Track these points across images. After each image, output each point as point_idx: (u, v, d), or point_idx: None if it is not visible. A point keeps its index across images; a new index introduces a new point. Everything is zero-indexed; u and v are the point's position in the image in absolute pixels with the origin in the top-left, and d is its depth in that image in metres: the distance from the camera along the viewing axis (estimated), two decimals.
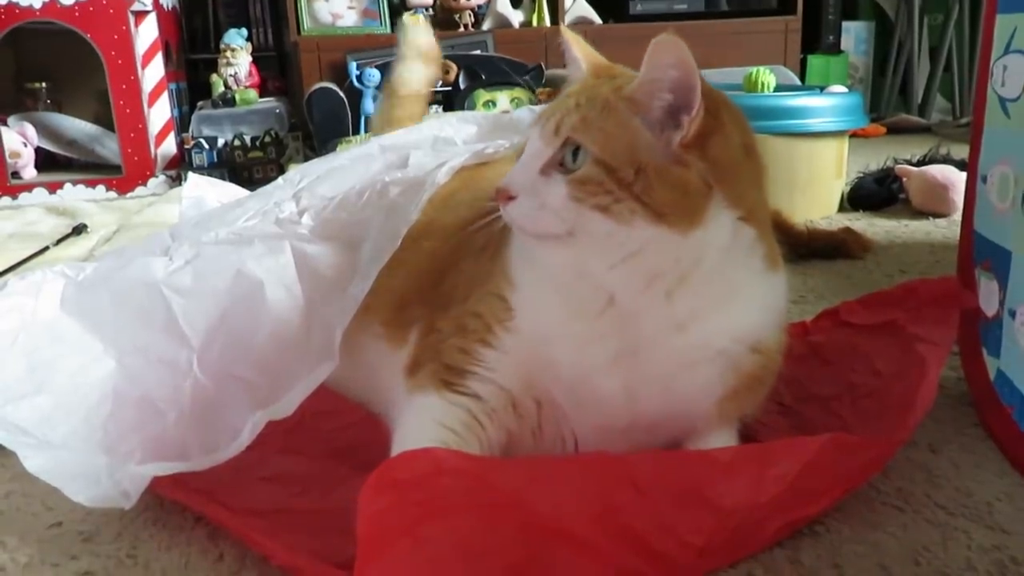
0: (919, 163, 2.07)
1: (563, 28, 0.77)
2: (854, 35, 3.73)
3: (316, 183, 1.09)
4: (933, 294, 0.93)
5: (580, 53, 0.77)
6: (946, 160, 2.09)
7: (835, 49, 3.61)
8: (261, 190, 1.15)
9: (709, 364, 0.71)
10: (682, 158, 0.66)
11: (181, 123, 2.99)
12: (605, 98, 0.68)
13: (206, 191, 1.35)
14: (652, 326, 0.70)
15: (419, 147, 1.18)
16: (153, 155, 2.80)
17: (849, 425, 0.84)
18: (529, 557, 0.57)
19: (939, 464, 0.82)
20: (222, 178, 2.25)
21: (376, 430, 0.87)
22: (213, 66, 3.10)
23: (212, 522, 0.73)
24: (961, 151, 2.24)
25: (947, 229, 1.78)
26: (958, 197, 1.87)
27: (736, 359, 0.72)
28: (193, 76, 3.37)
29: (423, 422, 0.73)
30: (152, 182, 2.77)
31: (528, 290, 0.73)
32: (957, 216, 1.87)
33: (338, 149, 2.21)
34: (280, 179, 1.15)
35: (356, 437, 0.87)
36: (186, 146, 2.75)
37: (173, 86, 2.95)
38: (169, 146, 2.87)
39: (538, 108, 1.20)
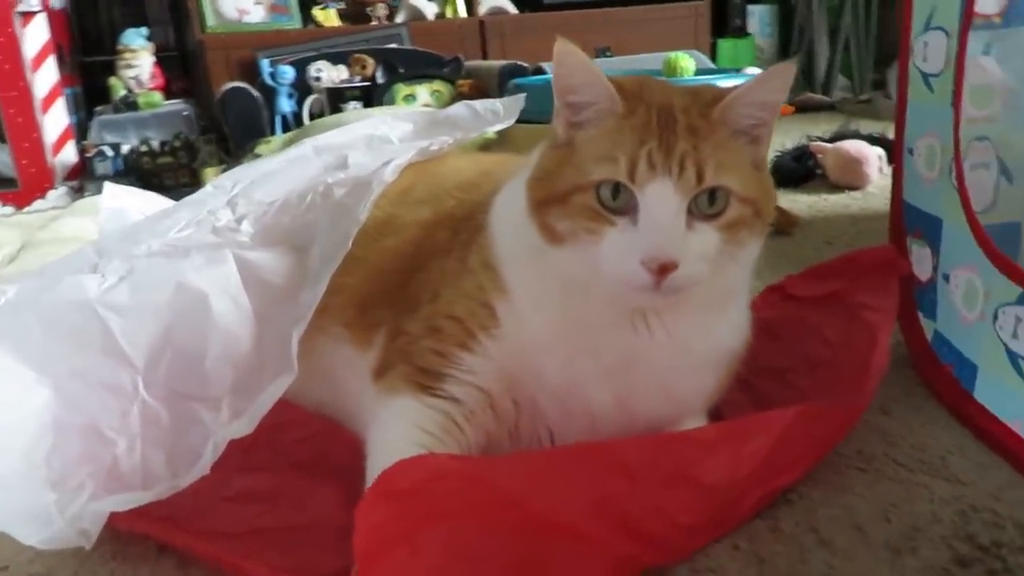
0: (832, 139, 2.15)
1: (561, 46, 0.65)
2: (759, 18, 3.85)
3: (251, 188, 1.04)
4: (872, 263, 0.97)
5: (595, 74, 0.66)
6: (856, 135, 2.18)
7: (742, 32, 3.72)
8: (189, 198, 1.10)
9: (706, 369, 0.73)
10: (762, 163, 0.68)
11: (79, 130, 2.84)
12: (706, 128, 0.64)
13: (126, 201, 1.28)
14: (663, 337, 0.70)
15: (354, 147, 1.15)
16: (51, 165, 2.65)
17: (807, 395, 0.86)
18: (528, 554, 0.57)
19: (892, 424, 0.85)
20: (130, 186, 2.15)
21: (338, 439, 0.85)
22: (110, 68, 2.96)
23: (179, 550, 0.70)
24: (867, 126, 2.35)
25: (863, 201, 1.86)
26: (871, 170, 1.96)
27: (729, 360, 0.74)
28: (88, 80, 3.20)
29: (400, 425, 0.71)
30: (52, 194, 2.62)
31: (524, 300, 0.72)
32: (871, 188, 1.96)
33: (258, 151, 2.15)
34: (209, 186, 1.10)
35: (318, 448, 0.84)
36: (87, 154, 2.62)
37: (68, 91, 2.80)
38: (68, 155, 2.72)
39: (478, 104, 1.20)
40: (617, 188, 0.63)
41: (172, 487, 0.70)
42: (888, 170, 2.04)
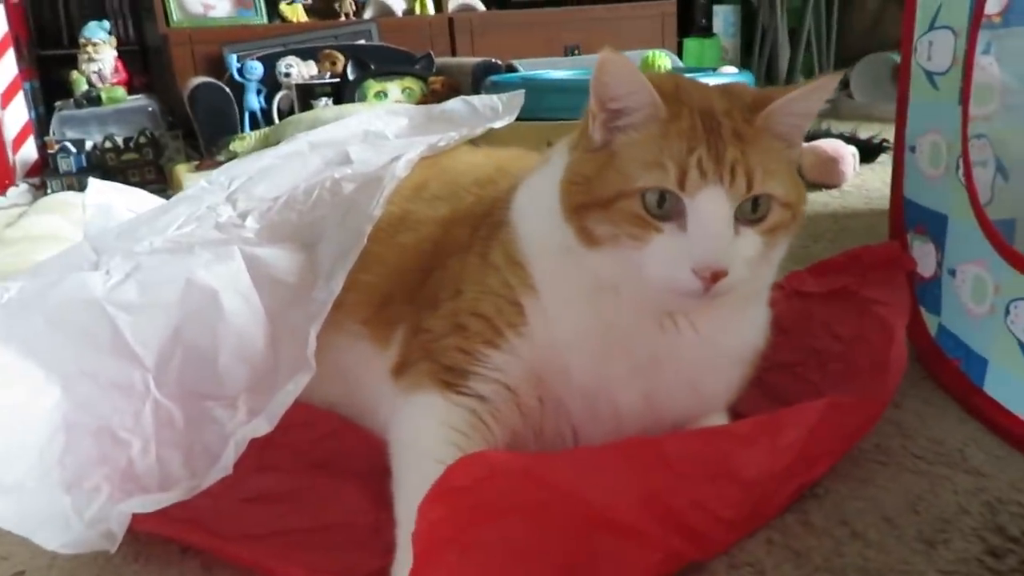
0: (807, 139, 2.18)
1: (607, 55, 0.63)
2: (723, 18, 3.89)
3: (250, 184, 1.02)
4: (877, 259, 0.98)
5: (640, 81, 0.64)
6: (828, 134, 2.22)
7: (707, 32, 3.76)
8: (183, 194, 1.07)
9: (731, 366, 0.74)
10: (795, 163, 0.68)
11: (39, 126, 2.75)
12: (751, 133, 0.64)
13: (112, 198, 1.25)
14: (691, 336, 0.70)
15: (350, 143, 1.14)
16: (11, 162, 2.56)
17: (820, 389, 0.87)
18: (579, 551, 0.56)
19: (906, 418, 0.87)
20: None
21: (355, 438, 0.84)
22: (68, 62, 2.86)
23: (205, 552, 0.68)
24: (833, 126, 2.39)
25: (841, 199, 1.89)
26: (847, 168, 2.00)
27: (752, 356, 0.75)
28: (45, 74, 3.10)
29: (428, 423, 0.70)
30: (12, 192, 2.52)
31: (553, 299, 0.71)
32: (846, 186, 1.99)
33: (232, 147, 2.10)
34: (203, 182, 1.08)
35: (335, 447, 0.82)
36: (50, 150, 2.53)
37: (27, 85, 2.70)
38: (29, 151, 2.63)
39: (476, 100, 1.18)
40: (663, 195, 0.62)
41: (193, 487, 0.68)
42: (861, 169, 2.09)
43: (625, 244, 0.64)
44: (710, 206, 0.61)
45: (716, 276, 0.61)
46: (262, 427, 0.72)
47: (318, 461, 0.81)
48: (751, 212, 0.64)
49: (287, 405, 0.74)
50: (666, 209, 0.63)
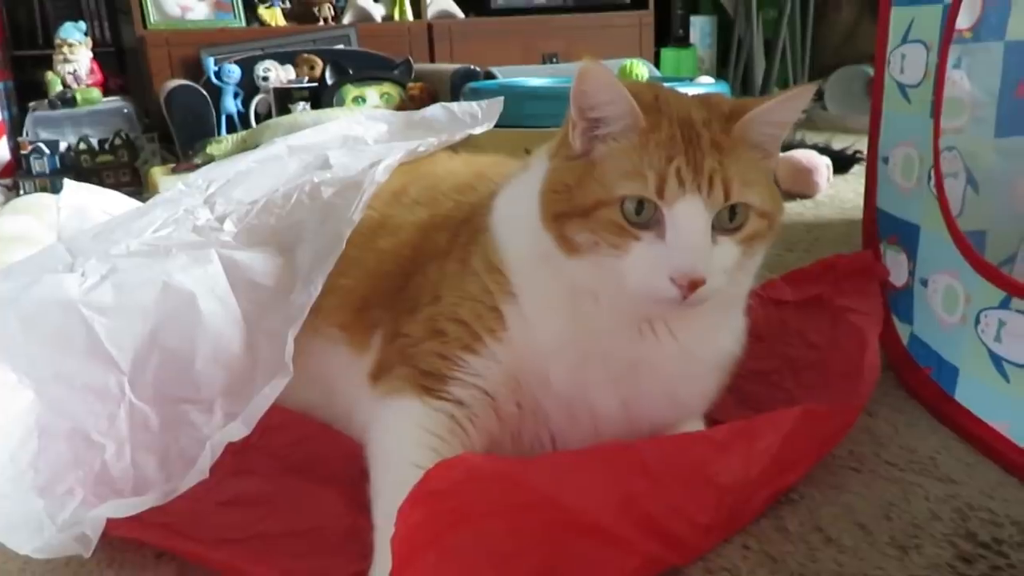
0: (782, 149, 2.21)
1: (588, 65, 0.64)
2: (699, 29, 3.93)
3: (228, 187, 1.02)
4: (851, 268, 1.00)
5: (620, 92, 0.65)
6: (803, 145, 2.25)
7: (684, 43, 3.79)
8: (160, 197, 1.07)
9: (709, 373, 0.74)
10: (772, 173, 0.69)
11: (11, 126, 2.71)
12: (728, 143, 0.65)
13: (87, 199, 1.23)
14: (669, 343, 0.70)
15: (330, 147, 1.13)
16: None
17: (795, 396, 0.88)
18: (557, 555, 0.56)
19: (878, 426, 0.88)
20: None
21: (330, 441, 0.83)
22: (42, 63, 2.83)
23: (178, 556, 0.67)
24: (808, 137, 2.42)
25: (815, 209, 1.92)
26: (821, 179, 2.03)
27: (729, 364, 0.75)
28: (19, 74, 3.05)
29: (405, 427, 0.70)
30: None
31: (532, 305, 0.71)
32: (820, 196, 2.02)
33: (209, 150, 2.09)
34: (181, 185, 1.08)
35: (312, 451, 0.82)
36: (23, 151, 2.49)
37: (1, 85, 2.67)
38: (2, 152, 2.59)
39: (455, 106, 1.19)
40: (642, 203, 0.63)
41: (169, 491, 0.67)
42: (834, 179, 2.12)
43: (604, 252, 0.65)
44: (688, 215, 0.62)
45: (694, 284, 0.61)
46: (239, 431, 0.71)
47: (294, 465, 0.80)
48: (729, 221, 0.64)
49: (264, 409, 0.73)
50: (645, 218, 0.63)
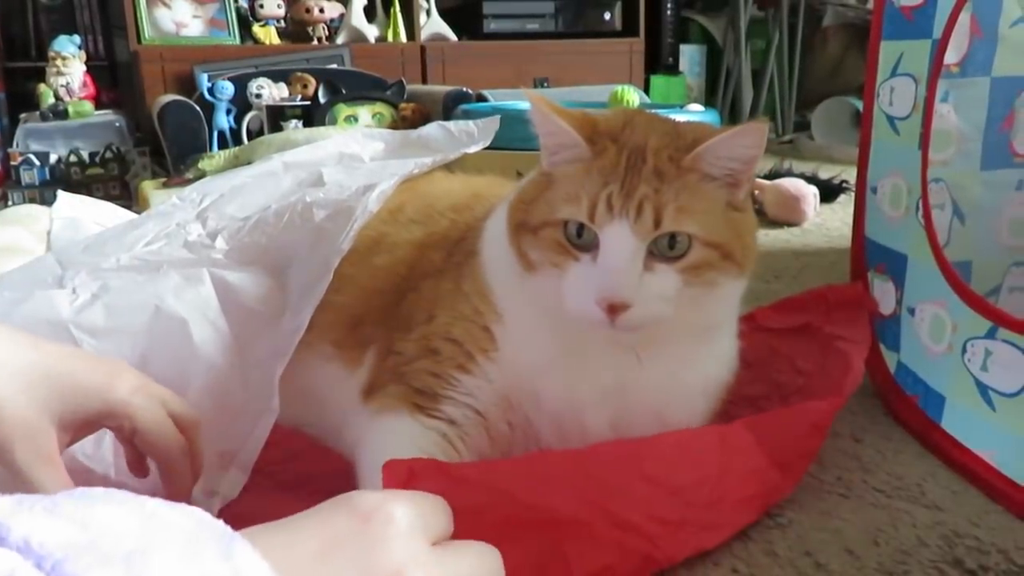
0: (769, 177, 2.24)
1: (530, 97, 0.68)
2: (689, 58, 3.98)
3: (222, 202, 1.02)
4: (842, 299, 1.01)
5: (564, 121, 0.68)
6: (790, 173, 2.28)
7: (674, 70, 3.84)
8: (153, 210, 1.06)
9: (697, 397, 0.75)
10: (740, 204, 0.69)
11: (3, 137, 2.70)
12: (672, 172, 0.65)
13: (80, 211, 1.23)
14: (652, 366, 0.71)
15: (325, 164, 1.14)
16: None
17: None
18: (527, 553, 0.57)
19: (866, 452, 0.89)
20: (54, 197, 2.05)
21: (322, 458, 0.83)
22: (35, 75, 2.83)
23: None
24: (795, 166, 2.46)
25: (802, 237, 1.94)
26: (808, 207, 2.05)
27: (718, 389, 0.76)
28: (11, 86, 3.05)
29: (399, 443, 0.70)
30: None
31: (517, 323, 0.72)
32: (807, 224, 2.04)
33: (201, 166, 2.09)
34: (175, 198, 1.07)
35: (303, 468, 0.82)
36: (13, 162, 2.48)
37: None
38: None
39: (452, 125, 1.20)
40: (582, 226, 0.65)
41: None
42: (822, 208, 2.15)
43: (549, 271, 0.67)
44: (615, 240, 0.63)
45: (613, 308, 0.63)
46: (239, 480, 0.75)
47: (285, 483, 0.80)
48: (668, 249, 0.65)
49: (258, 451, 0.75)
50: (584, 240, 0.65)
